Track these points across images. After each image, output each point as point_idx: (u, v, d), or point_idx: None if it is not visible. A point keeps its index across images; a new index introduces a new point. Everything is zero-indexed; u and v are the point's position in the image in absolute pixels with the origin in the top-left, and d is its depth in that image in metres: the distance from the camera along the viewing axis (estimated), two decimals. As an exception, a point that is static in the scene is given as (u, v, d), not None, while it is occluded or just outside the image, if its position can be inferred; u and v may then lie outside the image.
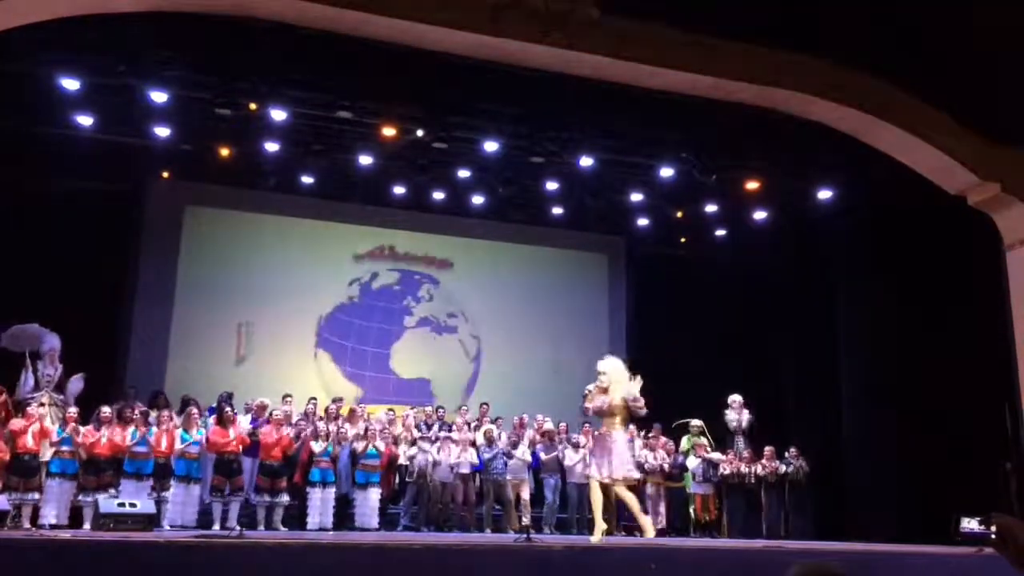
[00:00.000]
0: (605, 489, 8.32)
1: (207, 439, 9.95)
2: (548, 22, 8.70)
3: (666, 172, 11.98)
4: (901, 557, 8.47)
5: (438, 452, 10.99)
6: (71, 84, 9.73)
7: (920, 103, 9.52)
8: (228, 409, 10.23)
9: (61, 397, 10.19)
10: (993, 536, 1.95)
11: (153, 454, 9.59)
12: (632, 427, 12.36)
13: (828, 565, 1.79)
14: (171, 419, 9.96)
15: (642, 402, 8.32)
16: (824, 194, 12.38)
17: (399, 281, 14.48)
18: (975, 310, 10.87)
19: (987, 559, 7.38)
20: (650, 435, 12.18)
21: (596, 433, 8.82)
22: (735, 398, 12.59)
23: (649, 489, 11.66)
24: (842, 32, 9.32)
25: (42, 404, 9.63)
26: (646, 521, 8.58)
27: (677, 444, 12.33)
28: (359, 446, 10.57)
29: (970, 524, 10.33)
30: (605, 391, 8.33)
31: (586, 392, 8.55)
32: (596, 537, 8.21)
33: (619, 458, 8.20)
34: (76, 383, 10.39)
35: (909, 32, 9.35)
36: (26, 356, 10.19)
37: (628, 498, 8.43)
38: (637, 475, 9.01)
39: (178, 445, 9.69)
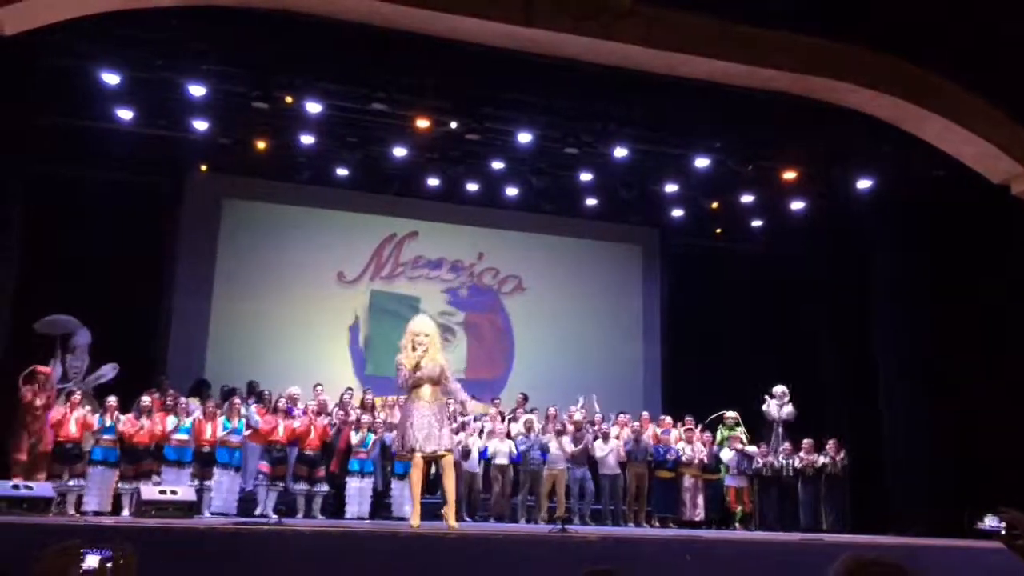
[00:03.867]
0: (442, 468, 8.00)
1: (255, 428, 10.10)
2: (581, 11, 8.67)
3: (701, 162, 11.89)
4: (940, 551, 8.36)
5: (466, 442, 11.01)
6: (111, 78, 9.88)
7: (963, 90, 9.34)
8: (283, 400, 10.36)
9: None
10: (1002, 532, 1.90)
11: (195, 442, 9.75)
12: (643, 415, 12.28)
13: (883, 558, 1.75)
14: (214, 408, 10.11)
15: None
16: (863, 183, 12.17)
17: (432, 273, 14.53)
18: (1017, 302, 10.66)
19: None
20: (686, 427, 12.10)
21: (427, 404, 7.82)
22: (779, 389, 12.45)
23: (687, 481, 11.62)
24: (882, 18, 9.17)
25: (73, 393, 9.80)
26: (416, 510, 7.93)
27: (713, 437, 12.25)
28: (393, 435, 10.64)
29: (988, 520, 10.11)
30: (424, 355, 7.81)
31: (402, 363, 7.85)
32: (414, 521, 7.83)
33: (446, 428, 7.87)
34: (108, 372, 10.55)
35: (951, 18, 9.17)
36: (56, 347, 10.39)
37: (415, 478, 7.88)
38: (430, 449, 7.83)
39: (220, 433, 9.83)
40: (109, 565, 1.81)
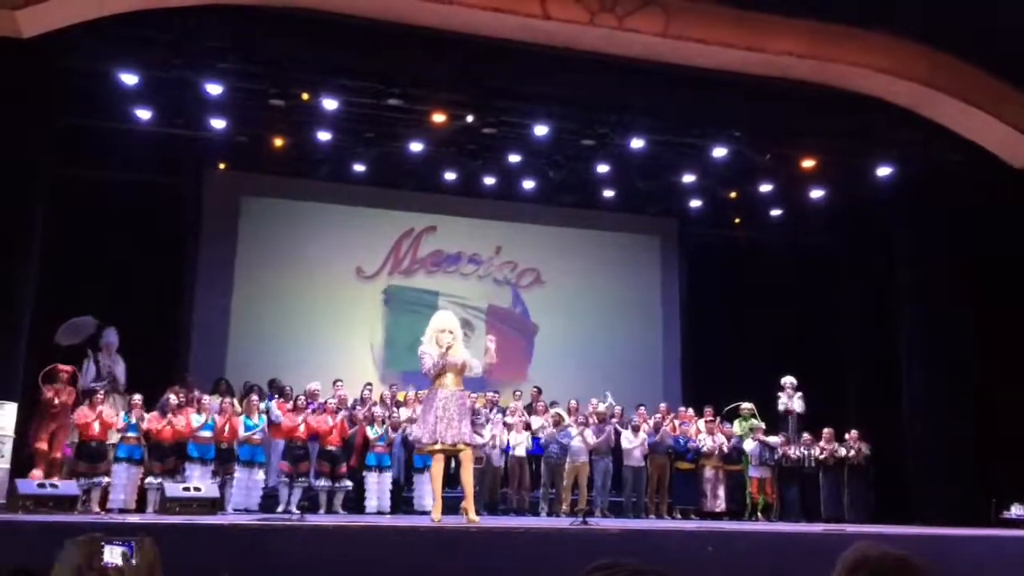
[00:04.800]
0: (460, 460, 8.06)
1: (276, 424, 10.15)
2: (596, 3, 8.65)
3: (719, 152, 11.81)
4: (965, 541, 8.29)
5: (489, 436, 11.02)
6: (129, 79, 9.95)
7: (983, 74, 9.25)
8: (302, 397, 10.42)
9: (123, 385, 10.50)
10: None
11: (216, 439, 9.82)
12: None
13: (890, 552, 1.72)
14: (233, 405, 10.18)
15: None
16: (883, 171, 12.05)
17: (450, 267, 14.55)
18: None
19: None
20: (707, 419, 12.06)
21: (450, 393, 7.90)
22: (787, 380, 12.39)
23: (708, 472, 11.59)
24: (900, 3, 9.07)
25: (98, 392, 9.88)
26: (437, 504, 8.02)
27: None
28: (412, 429, 10.67)
29: (1015, 509, 10.02)
30: (449, 348, 7.86)
31: (427, 352, 7.88)
32: (435, 515, 7.90)
33: (466, 420, 7.92)
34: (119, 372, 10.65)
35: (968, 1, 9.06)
36: (88, 348, 10.49)
37: (436, 472, 7.97)
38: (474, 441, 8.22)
39: (241, 432, 9.90)
40: (132, 561, 1.81)
